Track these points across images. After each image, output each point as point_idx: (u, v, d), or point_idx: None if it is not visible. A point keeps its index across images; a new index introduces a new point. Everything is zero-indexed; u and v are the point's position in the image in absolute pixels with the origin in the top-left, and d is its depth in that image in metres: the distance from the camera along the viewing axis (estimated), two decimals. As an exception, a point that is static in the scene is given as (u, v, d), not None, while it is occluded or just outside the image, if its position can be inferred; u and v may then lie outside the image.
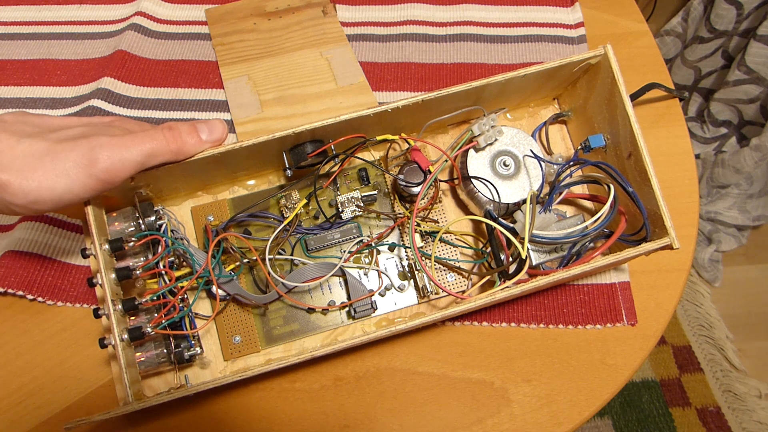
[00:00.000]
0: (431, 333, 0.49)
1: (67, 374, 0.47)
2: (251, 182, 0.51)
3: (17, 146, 0.35)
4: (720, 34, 1.11)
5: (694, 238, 0.54)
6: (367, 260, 0.50)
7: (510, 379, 0.48)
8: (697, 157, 1.25)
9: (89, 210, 0.41)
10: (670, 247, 0.42)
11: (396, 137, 0.47)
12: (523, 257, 0.42)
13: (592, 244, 0.47)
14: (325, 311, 0.48)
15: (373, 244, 0.49)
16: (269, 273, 0.44)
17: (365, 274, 0.49)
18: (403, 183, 0.47)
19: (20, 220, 0.51)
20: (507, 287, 0.41)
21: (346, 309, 0.48)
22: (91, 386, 0.47)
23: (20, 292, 0.48)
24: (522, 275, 0.42)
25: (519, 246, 0.42)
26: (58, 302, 0.49)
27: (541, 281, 0.40)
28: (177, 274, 0.44)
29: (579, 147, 0.50)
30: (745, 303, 1.21)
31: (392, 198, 0.51)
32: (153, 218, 0.45)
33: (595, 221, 0.45)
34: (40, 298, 0.49)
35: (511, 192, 0.48)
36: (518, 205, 0.48)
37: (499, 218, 0.46)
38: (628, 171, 0.46)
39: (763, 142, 1.08)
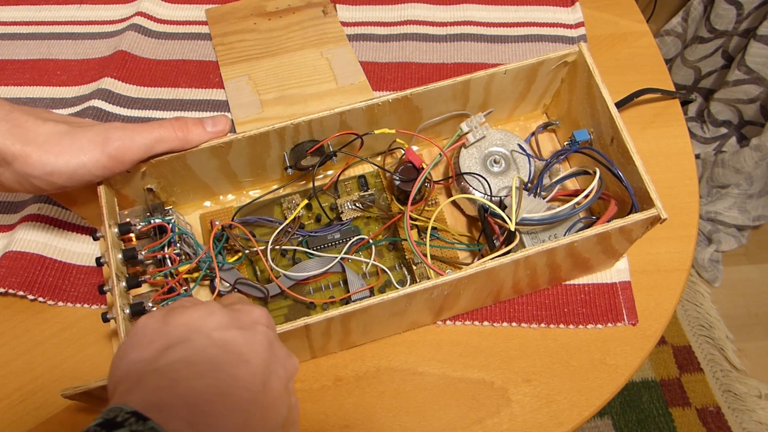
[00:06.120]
0: (431, 333, 0.49)
1: (67, 374, 0.47)
2: (255, 192, 0.54)
3: (42, 126, 0.40)
4: (720, 34, 1.11)
5: (694, 238, 0.54)
6: (366, 259, 0.50)
7: (510, 379, 0.48)
8: (697, 157, 1.25)
9: (101, 190, 0.43)
10: (658, 218, 0.42)
11: (393, 131, 0.49)
12: (512, 229, 0.43)
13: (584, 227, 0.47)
14: (325, 306, 0.48)
15: (372, 241, 0.49)
16: (268, 262, 0.46)
17: (366, 272, 0.50)
18: (398, 179, 0.49)
19: (21, 219, 0.51)
20: (498, 256, 0.41)
21: (345, 302, 0.49)
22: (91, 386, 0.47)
23: (20, 292, 0.48)
24: (512, 246, 0.43)
25: (507, 219, 0.43)
26: (58, 302, 0.49)
27: (530, 251, 0.41)
28: (182, 269, 0.45)
29: (566, 143, 0.52)
30: (745, 303, 1.21)
31: (390, 200, 0.52)
32: (162, 216, 0.47)
33: (584, 197, 0.45)
34: (40, 298, 0.49)
35: (503, 187, 0.50)
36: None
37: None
38: (613, 156, 0.47)
39: (763, 142, 1.08)
